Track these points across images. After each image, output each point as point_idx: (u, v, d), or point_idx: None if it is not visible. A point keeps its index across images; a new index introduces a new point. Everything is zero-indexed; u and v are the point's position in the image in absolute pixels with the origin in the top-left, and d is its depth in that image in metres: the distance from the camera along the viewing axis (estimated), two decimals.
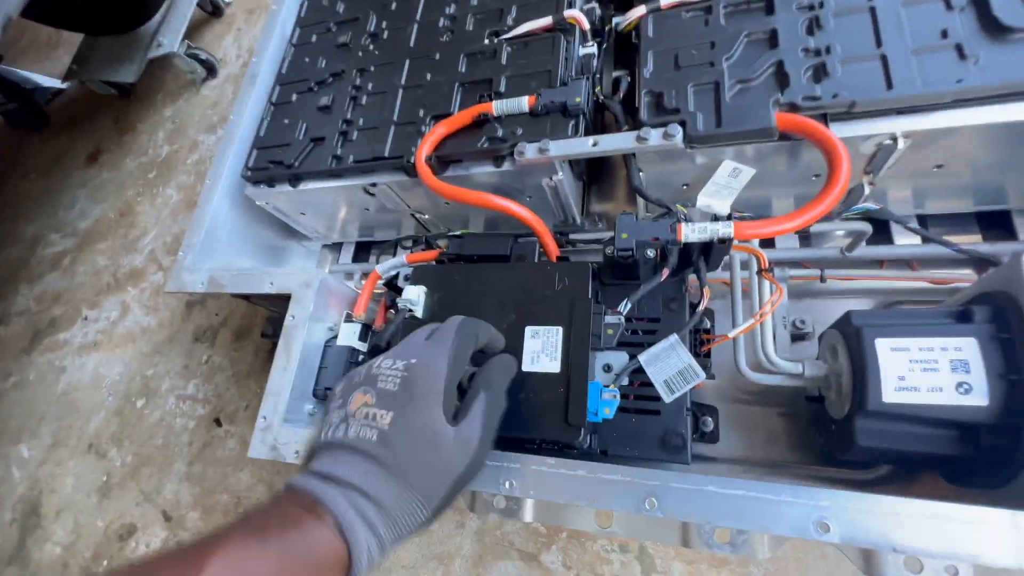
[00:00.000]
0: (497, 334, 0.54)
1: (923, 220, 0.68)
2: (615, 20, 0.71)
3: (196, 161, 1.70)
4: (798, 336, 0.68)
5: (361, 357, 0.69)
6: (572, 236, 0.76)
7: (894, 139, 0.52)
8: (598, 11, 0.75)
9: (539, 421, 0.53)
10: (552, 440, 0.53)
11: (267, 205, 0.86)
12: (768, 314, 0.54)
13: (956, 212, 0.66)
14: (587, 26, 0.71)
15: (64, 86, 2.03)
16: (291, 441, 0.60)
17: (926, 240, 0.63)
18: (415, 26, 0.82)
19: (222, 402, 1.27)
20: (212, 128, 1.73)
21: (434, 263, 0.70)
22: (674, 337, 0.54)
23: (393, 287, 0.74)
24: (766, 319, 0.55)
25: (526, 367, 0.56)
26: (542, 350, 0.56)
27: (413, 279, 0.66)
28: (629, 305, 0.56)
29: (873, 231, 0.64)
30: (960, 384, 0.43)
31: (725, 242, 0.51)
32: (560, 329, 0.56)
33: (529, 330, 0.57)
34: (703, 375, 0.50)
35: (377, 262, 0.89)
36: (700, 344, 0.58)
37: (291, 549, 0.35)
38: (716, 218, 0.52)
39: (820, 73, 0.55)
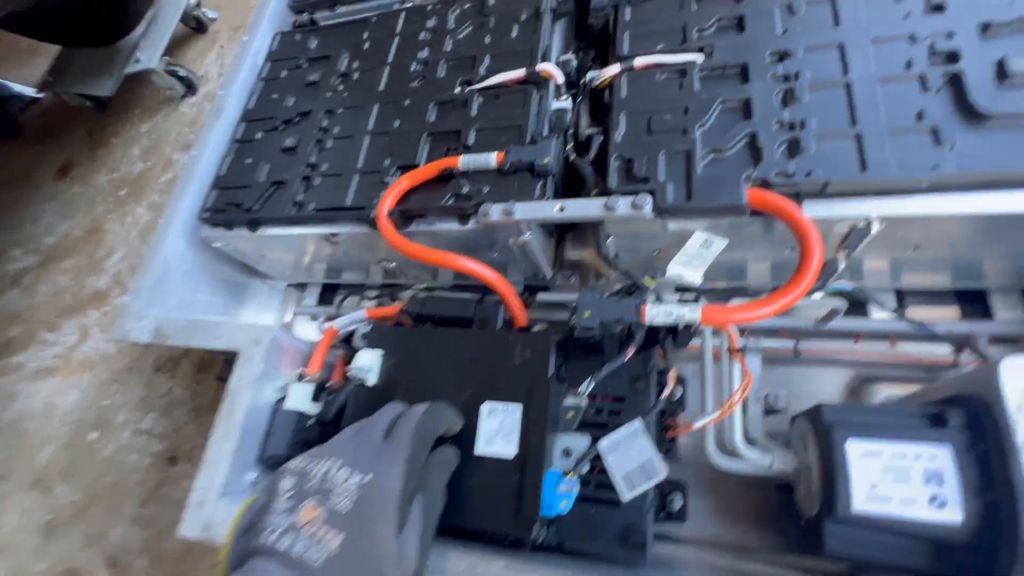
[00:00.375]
0: (455, 419, 0.51)
1: (900, 293, 0.66)
2: (590, 75, 0.68)
3: (170, 180, 1.65)
4: (772, 410, 0.65)
5: (310, 423, 0.65)
6: (540, 297, 0.73)
7: (868, 223, 0.50)
8: (574, 63, 0.73)
9: (490, 512, 0.49)
10: (503, 534, 0.49)
11: (226, 247, 0.82)
12: (736, 404, 0.51)
13: (932, 289, 0.64)
14: (561, 80, 0.69)
15: (39, 95, 1.98)
16: (228, 520, 0.56)
17: (901, 318, 0.61)
18: (387, 68, 0.79)
19: (179, 438, 1.21)
20: (188, 147, 1.68)
21: (392, 325, 0.66)
22: (638, 423, 0.50)
23: (351, 343, 0.70)
24: (735, 410, 0.52)
25: (480, 450, 0.52)
26: (499, 430, 0.52)
27: (369, 341, 0.62)
28: (592, 386, 0.53)
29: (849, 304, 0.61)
30: (933, 498, 0.41)
31: (690, 328, 0.48)
32: (519, 407, 0.53)
33: (486, 406, 0.54)
34: (664, 473, 0.47)
35: (339, 306, 0.85)
36: (665, 430, 0.55)
37: None
38: (684, 296, 0.49)
39: (794, 148, 0.53)
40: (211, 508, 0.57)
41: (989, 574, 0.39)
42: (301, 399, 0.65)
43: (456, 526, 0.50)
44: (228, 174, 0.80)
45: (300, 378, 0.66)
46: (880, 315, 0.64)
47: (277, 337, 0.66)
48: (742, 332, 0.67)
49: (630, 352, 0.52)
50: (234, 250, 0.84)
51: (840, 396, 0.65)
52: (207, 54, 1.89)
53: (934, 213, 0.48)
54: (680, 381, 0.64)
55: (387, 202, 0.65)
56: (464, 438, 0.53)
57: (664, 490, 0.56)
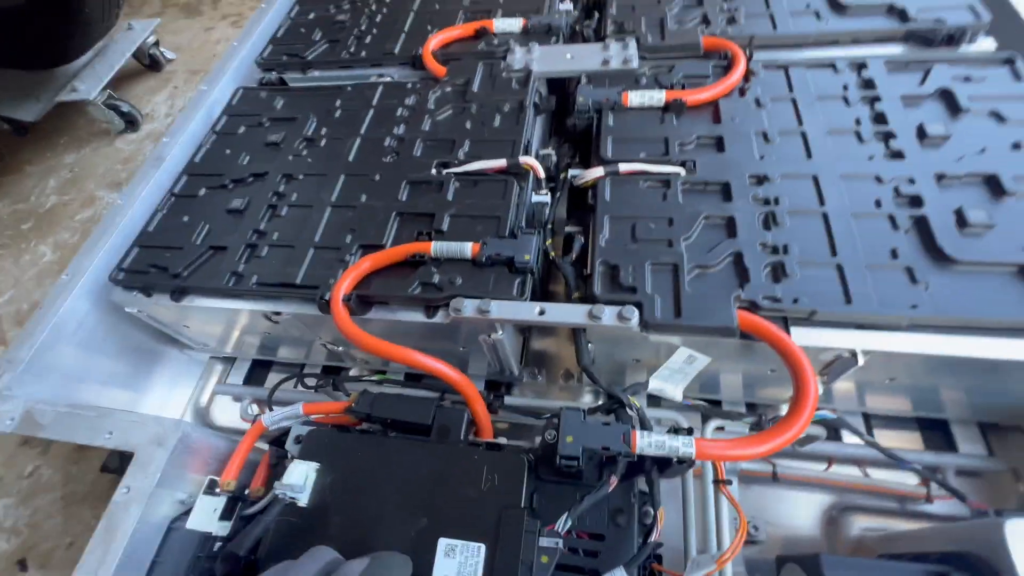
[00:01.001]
0: None
1: (866, 416, 0.66)
2: (571, 173, 0.67)
3: (87, 219, 1.47)
4: (750, 540, 0.60)
5: (218, 547, 0.52)
6: (507, 401, 0.66)
7: (853, 355, 0.49)
8: (554, 158, 0.73)
9: None
10: None
11: (140, 313, 0.70)
12: (731, 558, 0.45)
13: (897, 415, 0.65)
14: (542, 174, 0.67)
15: None
16: None
17: (879, 451, 0.60)
18: (358, 139, 0.74)
19: (37, 535, 0.97)
20: (117, 186, 1.53)
21: (333, 427, 0.57)
22: (620, 573, 0.43)
23: (281, 445, 0.59)
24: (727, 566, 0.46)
25: None
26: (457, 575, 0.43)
27: (302, 451, 0.52)
28: (570, 522, 0.45)
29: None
30: None
31: (684, 462, 0.43)
32: (483, 548, 0.44)
33: (443, 543, 0.45)
34: None
35: (272, 394, 0.73)
36: (650, 575, 0.48)
37: None
38: (675, 431, 0.45)
39: (779, 272, 0.52)
40: None
41: None
42: (208, 517, 0.52)
43: None
44: (157, 231, 0.70)
45: (211, 488, 0.54)
46: (852, 440, 0.62)
47: (187, 435, 0.54)
48: (721, 482, 0.63)
49: (613, 481, 0.46)
50: (150, 317, 0.71)
51: (817, 524, 0.62)
52: (158, 93, 1.78)
53: (915, 351, 0.48)
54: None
55: (345, 284, 0.57)
56: None
57: None
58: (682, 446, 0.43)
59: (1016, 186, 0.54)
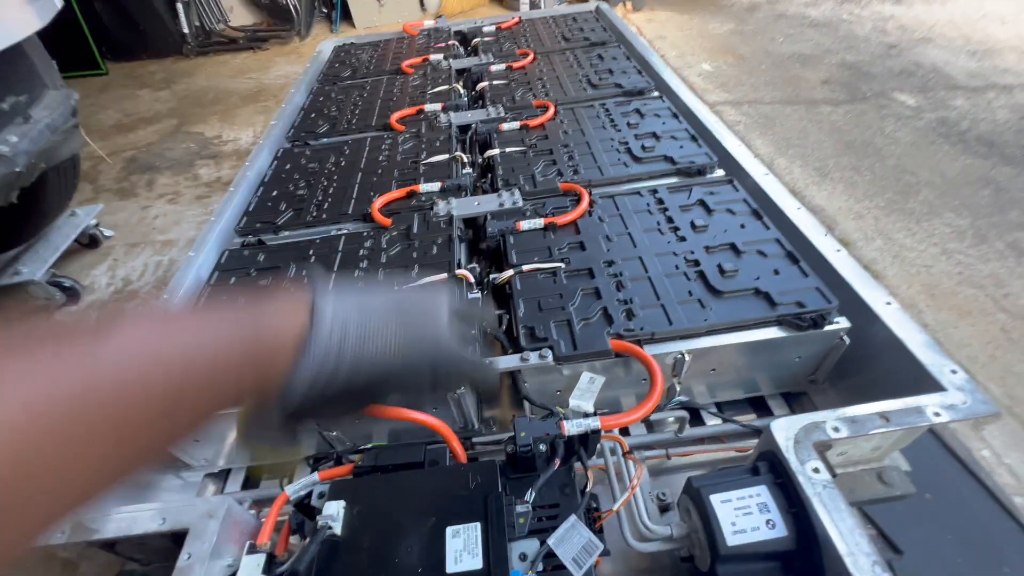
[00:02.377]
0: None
1: (719, 405, 0.96)
2: (492, 277, 0.99)
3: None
4: (664, 508, 0.83)
5: None
6: (474, 440, 0.87)
7: (682, 355, 0.81)
8: (478, 269, 1.04)
9: None
10: None
11: None
12: (637, 486, 0.69)
13: (735, 399, 0.96)
14: (472, 280, 0.97)
15: None
16: None
17: (724, 420, 0.89)
18: (332, 276, 1.01)
19: None
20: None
21: (350, 477, 0.74)
22: (573, 517, 0.65)
23: (304, 509, 0.74)
24: (636, 491, 0.70)
25: (451, 568, 0.60)
26: (464, 548, 0.62)
27: (330, 495, 0.69)
28: (534, 494, 0.67)
29: (690, 418, 0.88)
30: (768, 521, 0.61)
31: (596, 432, 0.69)
32: (478, 524, 0.64)
33: (450, 530, 0.64)
34: (602, 546, 0.61)
35: (281, 486, 0.86)
36: (593, 522, 0.69)
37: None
38: (587, 416, 0.70)
39: (631, 314, 0.85)
40: None
41: (815, 567, 0.59)
42: (254, 571, 0.65)
43: None
44: None
45: (252, 549, 0.67)
46: (711, 422, 0.92)
47: (231, 508, 0.68)
48: (627, 453, 0.88)
49: (557, 462, 0.69)
50: None
51: None
52: (96, 266, 1.90)
53: (713, 344, 0.81)
54: (593, 497, 0.80)
55: None
56: (436, 562, 0.61)
57: None
58: (592, 422, 0.69)
59: (745, 248, 0.94)
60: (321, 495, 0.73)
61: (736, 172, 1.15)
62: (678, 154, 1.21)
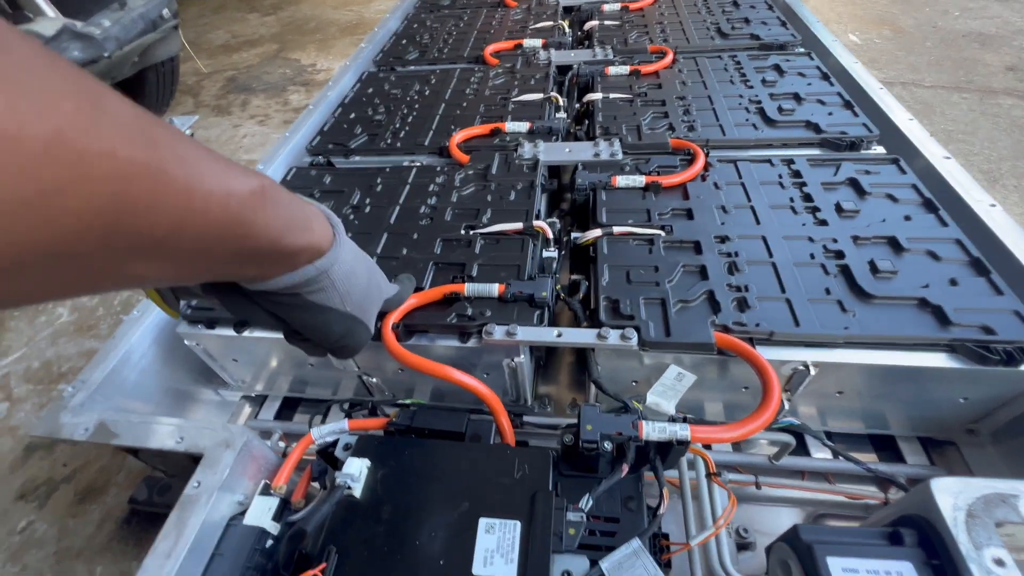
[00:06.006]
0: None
1: (828, 436, 0.77)
2: (574, 236, 0.84)
3: None
4: (743, 546, 0.67)
5: (270, 543, 0.57)
6: (525, 419, 0.75)
7: (806, 366, 0.63)
8: (558, 225, 0.89)
9: None
10: None
11: (196, 346, 0.79)
12: (725, 525, 0.54)
13: (852, 432, 0.76)
14: (551, 235, 0.83)
15: None
16: None
17: (836, 456, 0.71)
18: (397, 207, 0.91)
19: None
20: None
21: (381, 433, 0.65)
22: (636, 542, 0.51)
23: (327, 456, 0.66)
24: (722, 531, 0.55)
25: (477, 570, 0.49)
26: (497, 549, 0.51)
27: (356, 450, 0.60)
28: (591, 501, 0.54)
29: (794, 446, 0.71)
30: None
31: (684, 444, 0.54)
32: (518, 524, 0.52)
33: (483, 522, 0.53)
34: None
35: (310, 424, 0.80)
36: (659, 551, 0.56)
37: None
38: (672, 420, 0.56)
39: (743, 304, 0.67)
40: None
41: None
42: (263, 515, 0.58)
43: None
44: None
45: (266, 490, 0.60)
46: (819, 455, 0.73)
47: (250, 442, 0.61)
48: (713, 474, 0.72)
49: (625, 468, 0.56)
50: (204, 351, 0.80)
51: None
52: None
53: (850, 361, 0.62)
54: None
55: (394, 316, 0.69)
56: (461, 559, 0.50)
57: None
58: (679, 430, 0.54)
59: (910, 245, 0.72)
60: (347, 447, 0.64)
61: (904, 151, 0.91)
62: (825, 121, 0.97)
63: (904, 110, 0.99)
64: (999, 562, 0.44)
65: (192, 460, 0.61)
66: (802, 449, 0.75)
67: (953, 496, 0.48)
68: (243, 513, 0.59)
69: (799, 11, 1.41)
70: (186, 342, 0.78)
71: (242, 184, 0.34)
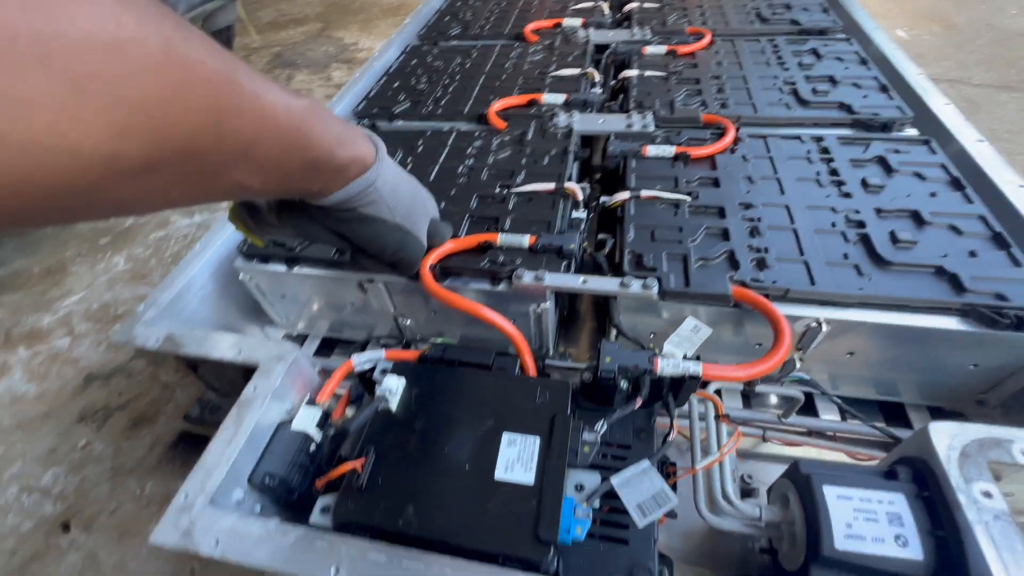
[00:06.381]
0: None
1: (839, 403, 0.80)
2: (602, 199, 0.88)
3: (160, 238, 1.67)
4: (746, 492, 0.71)
5: (313, 447, 0.64)
6: (547, 362, 0.81)
7: (818, 323, 0.66)
8: (588, 190, 0.93)
9: (506, 535, 0.50)
10: (518, 557, 0.50)
11: (249, 281, 0.86)
12: (729, 452, 0.58)
13: (863, 398, 0.78)
14: (580, 197, 0.87)
15: None
16: (212, 528, 0.52)
17: (844, 416, 0.74)
18: (436, 167, 0.96)
19: (83, 502, 1.04)
20: (190, 213, 1.75)
21: (415, 361, 0.71)
22: (646, 462, 0.56)
23: (365, 381, 0.73)
24: (726, 458, 0.59)
25: (499, 475, 0.55)
26: (517, 459, 0.56)
27: (393, 371, 0.66)
28: (606, 426, 0.59)
29: (804, 404, 0.74)
30: (898, 536, 0.48)
31: (694, 379, 0.58)
32: (538, 439, 0.57)
33: (506, 437, 0.58)
34: (675, 500, 0.51)
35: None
36: (666, 477, 0.60)
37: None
38: (686, 358, 0.60)
39: (762, 264, 0.70)
40: (196, 514, 0.53)
41: None
42: (309, 422, 0.65)
43: (471, 548, 0.50)
44: None
45: (312, 401, 0.67)
46: (827, 416, 0.76)
47: (299, 359, 0.68)
48: (721, 416, 0.76)
49: (639, 401, 0.60)
50: (255, 286, 0.87)
51: None
52: None
53: (864, 320, 0.65)
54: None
55: (431, 258, 0.75)
56: (484, 465, 0.55)
57: (649, 570, 0.58)
58: (692, 366, 0.58)
59: (933, 219, 0.74)
60: (384, 371, 0.71)
61: (938, 134, 0.91)
62: (860, 103, 0.98)
63: (941, 95, 1.00)
64: (987, 494, 0.47)
65: (245, 378, 0.69)
66: (811, 411, 0.78)
67: (949, 437, 0.51)
68: (290, 421, 0.66)
69: None
70: (241, 276, 0.85)
71: (296, 99, 0.39)
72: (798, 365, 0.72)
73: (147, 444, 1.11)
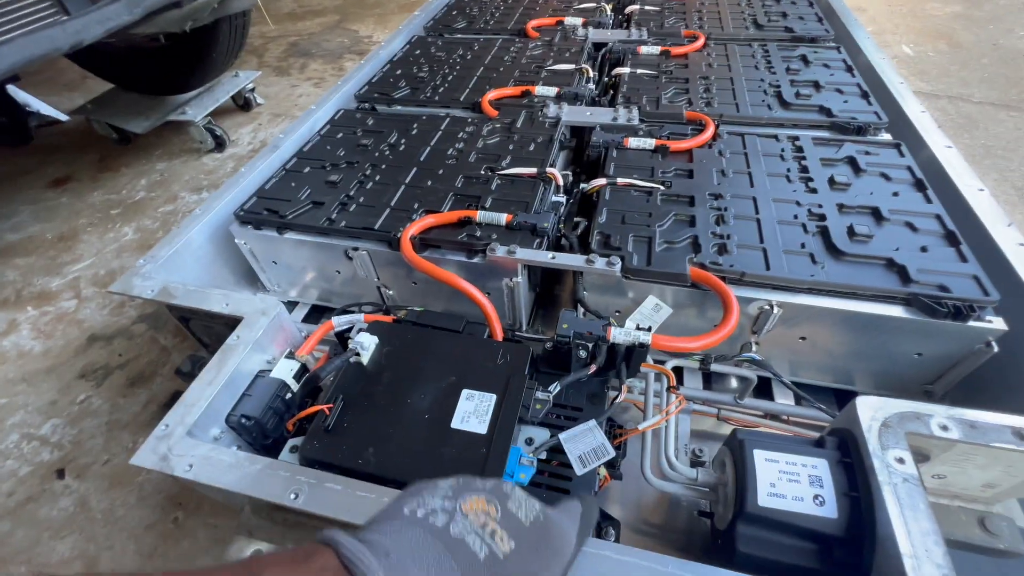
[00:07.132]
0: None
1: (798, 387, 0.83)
2: (582, 185, 0.92)
3: (168, 212, 1.73)
4: (697, 463, 0.75)
5: (289, 395, 0.68)
6: (516, 333, 0.85)
7: (771, 306, 0.69)
8: (571, 177, 0.98)
9: (455, 474, 0.54)
10: None
11: (243, 245, 0.91)
12: (672, 415, 0.62)
13: (821, 385, 0.82)
14: (561, 183, 0.92)
15: (64, 119, 2.10)
16: (187, 455, 0.56)
17: (798, 400, 0.77)
18: (427, 148, 1.01)
19: (78, 451, 1.09)
20: (198, 190, 1.81)
21: (390, 322, 0.75)
22: (592, 422, 0.60)
23: (344, 341, 0.77)
24: (669, 420, 0.63)
25: (455, 425, 0.59)
26: (473, 412, 0.60)
27: (369, 329, 0.71)
28: (559, 388, 0.63)
29: (758, 387, 0.77)
30: (816, 496, 0.52)
31: (644, 347, 0.62)
32: (494, 396, 0.61)
33: (465, 392, 0.62)
34: (613, 453, 0.55)
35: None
36: (614, 437, 0.64)
37: None
38: (639, 328, 0.64)
39: (723, 249, 0.74)
40: (173, 441, 0.57)
41: (859, 564, 0.48)
42: (286, 373, 0.69)
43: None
44: (272, 189, 0.94)
45: (291, 355, 0.71)
46: (781, 400, 0.79)
47: (281, 314, 0.73)
48: (672, 387, 0.80)
49: (593, 367, 0.64)
50: (249, 251, 0.93)
51: None
52: (244, 127, 2.13)
53: (813, 304, 0.68)
54: (619, 412, 0.74)
55: (412, 229, 0.79)
56: (442, 416, 0.60)
57: (600, 526, 0.62)
58: (642, 336, 0.62)
59: (891, 216, 0.77)
60: (361, 330, 0.75)
61: (910, 140, 0.94)
62: (839, 107, 1.02)
63: (918, 102, 1.03)
64: (900, 460, 0.50)
65: (225, 332, 0.73)
66: (766, 394, 0.81)
67: (873, 410, 0.54)
68: (270, 371, 0.70)
69: (838, 8, 1.44)
70: (236, 240, 0.90)
71: None
72: (754, 347, 0.75)
73: (142, 402, 1.16)
